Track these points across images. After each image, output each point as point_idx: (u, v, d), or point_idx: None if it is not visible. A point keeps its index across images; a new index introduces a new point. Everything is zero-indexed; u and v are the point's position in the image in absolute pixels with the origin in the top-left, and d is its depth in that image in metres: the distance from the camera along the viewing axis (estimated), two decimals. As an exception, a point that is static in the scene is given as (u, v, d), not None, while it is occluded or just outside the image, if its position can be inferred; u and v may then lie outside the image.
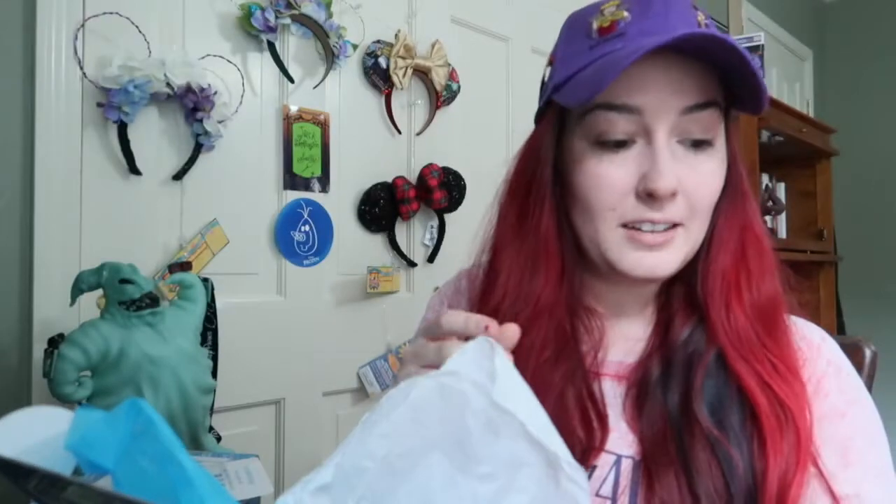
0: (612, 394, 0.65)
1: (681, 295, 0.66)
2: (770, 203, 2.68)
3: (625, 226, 0.61)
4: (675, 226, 0.60)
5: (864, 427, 0.62)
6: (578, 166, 0.62)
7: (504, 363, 0.42)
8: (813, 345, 0.65)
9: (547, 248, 0.65)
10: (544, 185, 0.65)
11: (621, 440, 0.62)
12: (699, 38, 0.53)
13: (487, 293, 0.68)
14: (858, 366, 0.85)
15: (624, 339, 0.69)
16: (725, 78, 0.60)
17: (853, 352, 0.86)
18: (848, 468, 0.60)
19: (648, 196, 0.58)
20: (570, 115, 0.63)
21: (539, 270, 0.65)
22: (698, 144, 0.60)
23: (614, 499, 0.61)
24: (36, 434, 0.37)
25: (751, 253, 0.63)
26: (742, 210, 0.64)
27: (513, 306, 0.65)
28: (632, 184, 0.59)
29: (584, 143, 0.61)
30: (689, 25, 0.59)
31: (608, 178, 0.60)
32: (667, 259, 0.60)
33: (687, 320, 0.65)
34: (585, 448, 0.60)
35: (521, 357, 0.53)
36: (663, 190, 0.57)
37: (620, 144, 0.60)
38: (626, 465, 0.61)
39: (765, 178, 2.71)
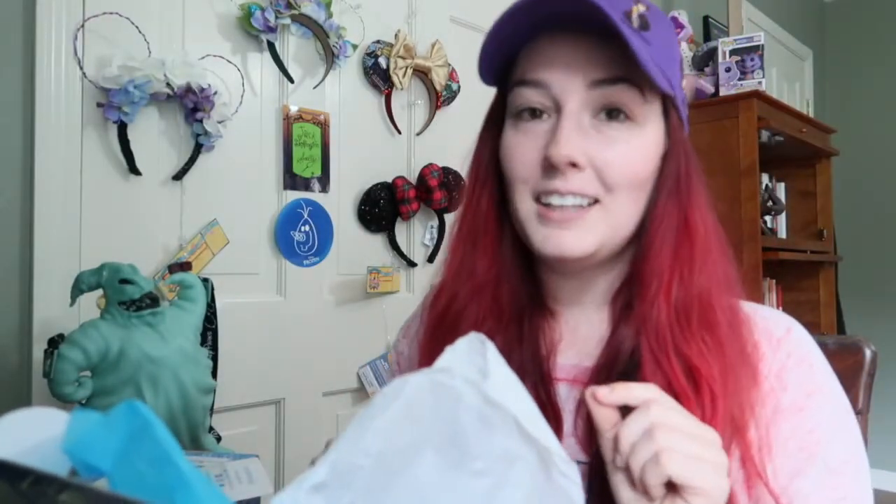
0: (568, 398, 0.64)
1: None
2: (770, 203, 2.68)
3: (537, 200, 0.61)
4: (591, 204, 0.60)
5: (824, 421, 0.59)
6: (502, 142, 0.64)
7: (496, 359, 0.42)
8: (773, 338, 0.63)
9: (486, 226, 0.66)
10: (484, 166, 0.67)
11: (578, 446, 0.61)
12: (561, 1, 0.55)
13: (438, 290, 0.70)
14: (858, 366, 0.85)
15: (583, 340, 0.67)
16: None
17: (853, 352, 0.86)
18: (803, 467, 0.58)
19: (550, 166, 0.59)
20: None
21: (478, 247, 0.66)
22: (612, 115, 0.59)
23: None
24: (33, 435, 0.37)
25: (686, 247, 0.61)
26: (678, 203, 0.62)
27: (453, 285, 0.67)
28: (540, 155, 0.60)
29: (509, 121, 0.63)
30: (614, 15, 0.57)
31: (519, 149, 0.62)
32: (576, 237, 0.59)
33: (631, 319, 0.64)
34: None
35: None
36: (556, 157, 0.57)
37: (535, 115, 0.61)
38: (582, 471, 0.60)
39: (765, 178, 2.70)
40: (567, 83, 0.59)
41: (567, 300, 0.68)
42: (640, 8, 0.59)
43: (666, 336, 0.59)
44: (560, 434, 0.62)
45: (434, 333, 0.69)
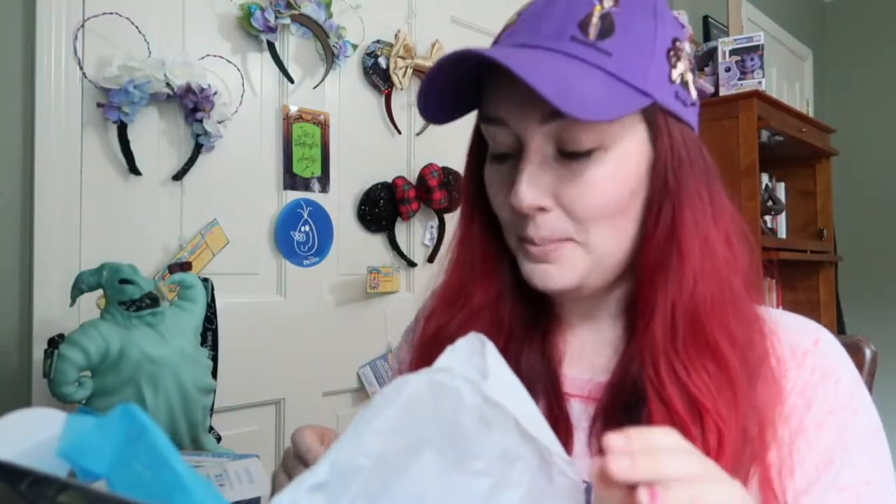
0: (581, 416, 0.62)
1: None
2: (770, 203, 2.68)
3: (518, 238, 0.59)
4: (564, 241, 0.57)
5: (842, 440, 0.56)
6: (485, 177, 0.62)
7: (496, 359, 0.42)
8: (798, 353, 0.59)
9: (483, 254, 0.65)
10: (472, 196, 0.65)
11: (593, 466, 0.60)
12: (460, 57, 0.51)
13: (431, 312, 0.68)
14: (858, 366, 0.85)
15: (595, 354, 0.64)
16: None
17: (853, 352, 0.86)
18: (809, 485, 0.55)
19: (517, 213, 0.57)
20: None
21: (475, 274, 0.65)
22: (573, 155, 0.55)
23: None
24: (33, 436, 0.37)
25: (676, 265, 0.56)
26: (670, 215, 0.57)
27: (447, 310, 0.66)
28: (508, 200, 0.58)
29: (488, 156, 0.61)
30: (560, 36, 0.54)
31: (494, 190, 0.60)
32: (557, 273, 0.57)
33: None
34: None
35: None
36: (518, 206, 0.55)
37: (502, 157, 0.59)
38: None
39: (765, 178, 2.70)
40: (521, 121, 0.55)
41: (578, 315, 0.66)
42: (607, 4, 0.55)
43: (660, 362, 0.55)
44: (570, 452, 0.59)
45: (423, 355, 0.67)
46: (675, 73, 0.57)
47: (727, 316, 0.56)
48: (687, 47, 0.60)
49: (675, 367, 0.55)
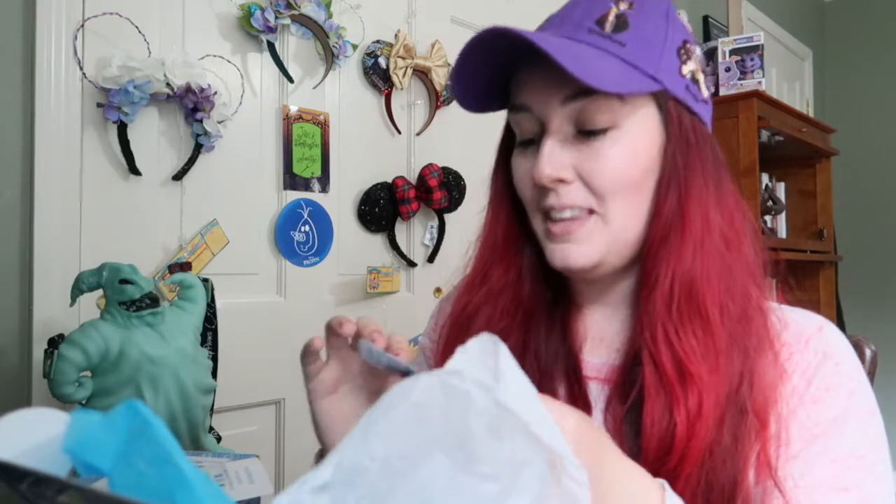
0: (598, 397, 0.65)
1: None
2: (770, 203, 2.68)
3: (543, 216, 0.64)
4: (587, 215, 0.61)
5: (834, 414, 0.59)
6: (512, 167, 0.67)
7: (508, 363, 0.42)
8: (803, 338, 0.63)
9: (506, 241, 0.69)
10: (500, 186, 0.70)
11: None
12: (491, 35, 0.57)
13: (460, 294, 0.73)
14: (858, 366, 0.85)
15: (611, 338, 0.68)
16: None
17: (853, 352, 0.86)
18: (800, 452, 0.58)
19: (542, 186, 0.61)
20: None
21: (495, 257, 0.69)
22: (591, 133, 0.61)
23: None
24: (33, 436, 0.37)
25: (677, 238, 0.61)
26: (677, 196, 0.62)
27: (470, 291, 0.70)
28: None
29: (515, 147, 0.66)
30: (579, 29, 0.61)
31: (521, 171, 0.65)
32: (578, 251, 0.62)
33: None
34: None
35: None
36: (539, 177, 0.60)
37: (527, 143, 0.64)
38: None
39: (765, 178, 2.71)
40: (544, 104, 0.61)
41: (594, 300, 0.70)
42: (622, 6, 0.61)
43: (657, 327, 0.60)
44: None
45: (449, 334, 0.71)
46: (686, 69, 0.63)
47: (721, 289, 0.61)
48: (698, 51, 0.65)
49: (667, 331, 0.59)
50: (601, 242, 0.62)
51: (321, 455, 0.68)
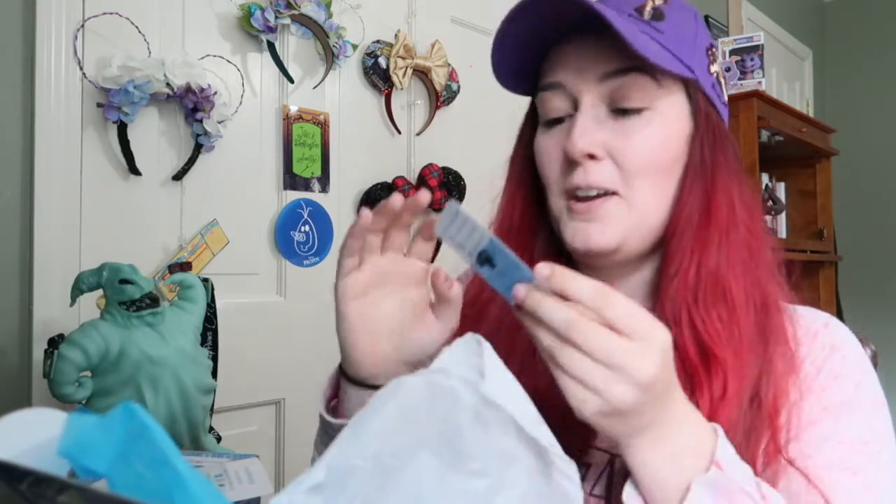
0: None
1: None
2: (770, 203, 2.68)
3: (567, 196, 0.63)
4: (609, 195, 0.61)
5: (841, 400, 0.60)
6: (535, 146, 0.67)
7: (492, 359, 0.42)
8: (811, 331, 0.64)
9: (521, 222, 0.69)
10: (519, 166, 0.70)
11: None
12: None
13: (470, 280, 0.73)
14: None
15: None
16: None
17: (853, 352, 0.86)
18: (802, 434, 0.59)
19: (571, 161, 0.61)
20: None
21: (510, 239, 0.67)
22: (622, 111, 0.61)
23: (608, 499, 0.60)
24: (33, 436, 0.37)
25: (704, 227, 0.62)
26: (702, 186, 0.63)
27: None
28: (562, 153, 0.63)
29: (539, 127, 0.67)
30: (620, 13, 0.61)
31: (546, 149, 0.64)
32: (599, 232, 0.61)
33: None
34: (577, 445, 0.59)
35: (492, 328, 0.61)
36: (572, 150, 0.60)
37: (557, 120, 0.64)
38: (621, 465, 0.60)
39: (765, 178, 2.71)
40: (579, 81, 0.61)
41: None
42: (657, 1, 0.63)
43: (681, 312, 0.59)
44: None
45: (463, 319, 0.70)
46: (713, 69, 0.65)
47: (747, 280, 0.61)
48: (720, 56, 0.66)
49: (692, 316, 0.59)
50: (623, 225, 0.61)
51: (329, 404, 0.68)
